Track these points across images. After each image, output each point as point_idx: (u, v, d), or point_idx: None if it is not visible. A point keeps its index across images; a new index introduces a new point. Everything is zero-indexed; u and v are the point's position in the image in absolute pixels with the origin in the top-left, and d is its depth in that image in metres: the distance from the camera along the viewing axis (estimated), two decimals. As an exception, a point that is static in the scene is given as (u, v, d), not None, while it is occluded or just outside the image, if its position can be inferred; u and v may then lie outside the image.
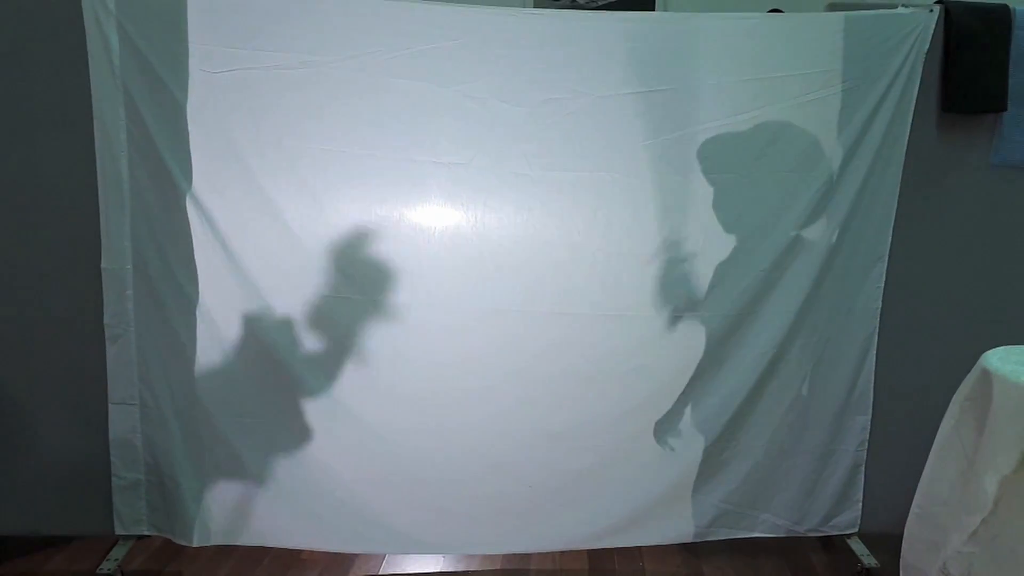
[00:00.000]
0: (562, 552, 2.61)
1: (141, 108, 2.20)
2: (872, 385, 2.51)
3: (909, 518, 1.95)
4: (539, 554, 2.60)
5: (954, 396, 1.84)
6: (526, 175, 2.32)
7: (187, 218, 2.25)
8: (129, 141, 2.22)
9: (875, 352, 2.49)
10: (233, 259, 2.28)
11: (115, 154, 2.22)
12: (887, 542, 2.46)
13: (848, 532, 2.60)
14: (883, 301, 2.46)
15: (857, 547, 2.58)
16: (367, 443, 2.41)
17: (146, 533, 2.45)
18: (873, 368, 2.50)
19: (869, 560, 2.51)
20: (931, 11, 2.29)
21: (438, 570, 2.55)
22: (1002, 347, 1.85)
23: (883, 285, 2.45)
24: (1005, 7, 2.32)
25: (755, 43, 2.30)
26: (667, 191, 2.35)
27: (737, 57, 2.30)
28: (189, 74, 2.20)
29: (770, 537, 2.58)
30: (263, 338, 2.32)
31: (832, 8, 2.34)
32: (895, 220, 2.41)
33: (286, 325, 2.34)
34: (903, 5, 2.30)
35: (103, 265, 2.28)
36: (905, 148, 2.36)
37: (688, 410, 2.47)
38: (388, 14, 2.22)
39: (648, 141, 2.32)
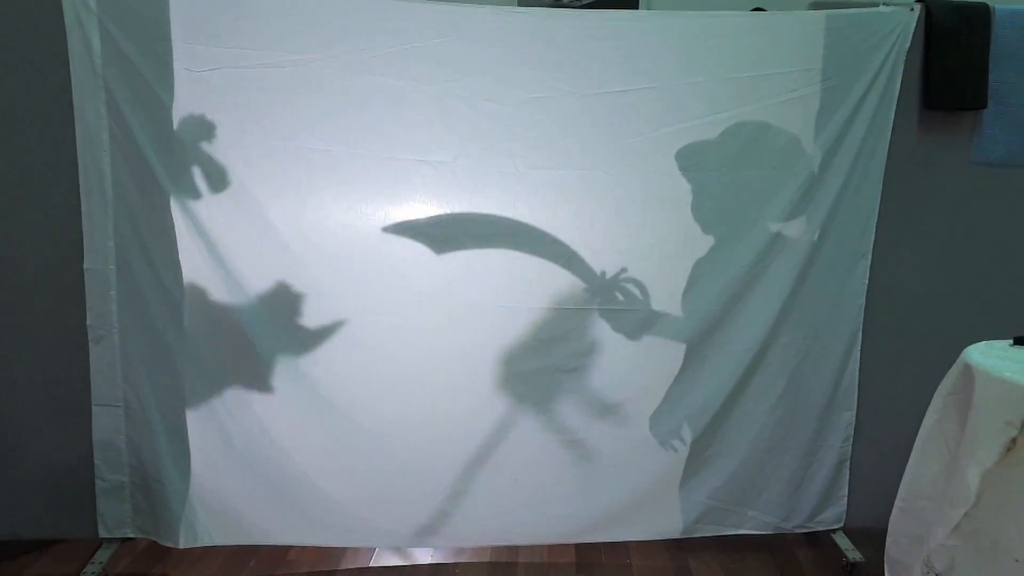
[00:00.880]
0: (550, 546, 2.61)
1: (123, 108, 2.18)
2: (857, 381, 2.53)
3: (893, 512, 1.96)
4: (527, 548, 2.61)
5: (937, 390, 1.85)
6: (510, 173, 2.33)
7: (171, 218, 2.24)
8: (112, 141, 2.20)
9: (860, 348, 2.51)
10: (218, 259, 2.27)
11: (97, 154, 2.21)
12: (872, 537, 2.48)
13: (833, 527, 2.62)
14: (867, 298, 2.48)
15: (842, 542, 2.60)
16: (353, 438, 2.41)
17: (131, 536, 2.43)
18: (858, 364, 2.52)
19: (854, 555, 2.53)
20: (912, 10, 2.31)
21: (427, 563, 2.54)
22: (983, 342, 1.87)
23: (867, 282, 2.47)
24: (985, 6, 2.34)
25: (736, 41, 2.31)
26: (649, 189, 2.36)
27: (718, 56, 2.31)
28: (173, 73, 2.19)
29: (757, 534, 2.60)
30: (249, 336, 2.31)
31: (814, 7, 2.36)
32: (878, 217, 2.43)
33: (272, 323, 2.33)
34: (884, 3, 2.32)
35: (86, 266, 2.26)
36: (887, 146, 2.38)
37: (675, 407, 2.48)
38: (373, 12, 2.21)
39: (630, 139, 2.33)
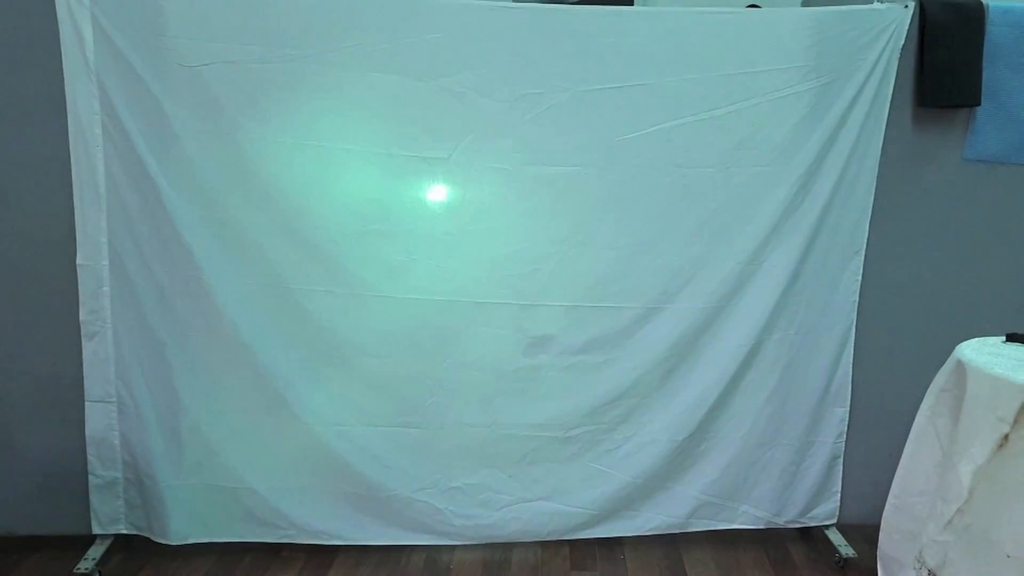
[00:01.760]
0: (543, 544, 2.61)
1: (116, 102, 2.17)
2: (850, 377, 2.54)
3: (886, 508, 1.98)
4: (520, 546, 2.61)
5: (930, 387, 1.86)
6: (505, 170, 2.33)
7: (165, 213, 2.23)
8: (104, 135, 2.20)
9: (853, 345, 2.51)
10: (212, 254, 2.26)
11: (90, 149, 2.20)
12: (865, 532, 2.50)
13: (826, 523, 2.63)
14: (860, 294, 2.49)
15: (835, 538, 2.61)
16: (346, 434, 2.42)
17: (124, 532, 2.43)
18: (851, 361, 2.53)
19: (847, 550, 2.54)
20: (906, 7, 2.31)
21: (420, 561, 2.54)
22: (976, 338, 1.88)
23: (860, 279, 2.48)
24: (979, 3, 2.35)
25: (731, 38, 2.30)
26: (643, 185, 2.36)
27: (714, 52, 2.30)
28: (166, 68, 2.18)
29: (750, 528, 2.61)
30: (244, 333, 2.31)
31: (808, 4, 2.36)
32: (871, 214, 2.44)
33: (267, 320, 2.33)
34: (878, 0, 2.32)
35: (79, 261, 2.25)
36: (881, 142, 2.38)
37: (669, 402, 2.49)
38: (367, 8, 2.21)
39: (624, 136, 2.33)
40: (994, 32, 2.35)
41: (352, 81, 2.24)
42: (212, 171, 2.25)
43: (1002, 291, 2.51)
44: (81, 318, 2.28)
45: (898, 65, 2.33)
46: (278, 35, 2.19)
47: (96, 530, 2.41)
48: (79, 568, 2.35)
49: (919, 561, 1.76)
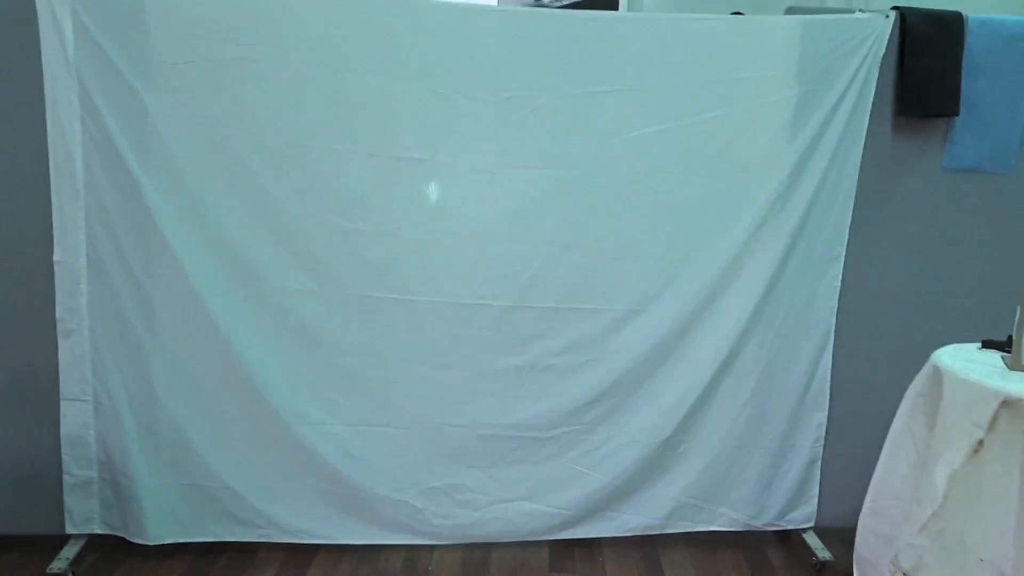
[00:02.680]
0: (523, 545, 2.61)
1: (96, 99, 2.15)
2: (828, 382, 2.56)
3: (862, 512, 1.99)
4: (500, 546, 2.60)
5: (906, 392, 1.88)
6: (487, 172, 2.33)
7: (145, 210, 2.21)
8: (84, 132, 2.17)
9: (832, 350, 2.54)
10: (191, 252, 2.25)
11: (69, 145, 2.17)
12: (842, 536, 2.51)
13: (804, 526, 2.65)
14: (839, 300, 2.51)
15: (812, 541, 2.63)
16: (326, 433, 2.41)
17: (98, 532, 2.40)
18: (830, 366, 2.55)
19: (824, 554, 2.56)
20: (887, 17, 2.33)
21: (399, 562, 2.53)
22: (952, 345, 1.91)
23: (839, 285, 2.50)
24: (959, 14, 2.38)
25: (715, 45, 2.33)
26: (625, 190, 2.37)
27: (696, 58, 2.32)
28: (147, 64, 2.16)
29: (728, 531, 2.62)
30: (223, 331, 2.29)
31: (791, 12, 2.38)
32: (851, 221, 2.46)
33: (248, 319, 2.32)
34: (860, 10, 2.35)
35: (56, 258, 2.22)
36: (862, 150, 2.40)
37: (648, 404, 2.50)
38: (352, 8, 2.20)
39: (607, 140, 2.34)
40: (972, 43, 2.38)
41: (335, 81, 2.23)
42: (193, 169, 2.23)
43: (979, 298, 2.54)
44: (58, 315, 2.25)
45: (878, 74, 2.36)
46: (261, 35, 2.18)
47: (70, 530, 2.38)
48: (52, 568, 2.32)
49: (894, 564, 1.77)
